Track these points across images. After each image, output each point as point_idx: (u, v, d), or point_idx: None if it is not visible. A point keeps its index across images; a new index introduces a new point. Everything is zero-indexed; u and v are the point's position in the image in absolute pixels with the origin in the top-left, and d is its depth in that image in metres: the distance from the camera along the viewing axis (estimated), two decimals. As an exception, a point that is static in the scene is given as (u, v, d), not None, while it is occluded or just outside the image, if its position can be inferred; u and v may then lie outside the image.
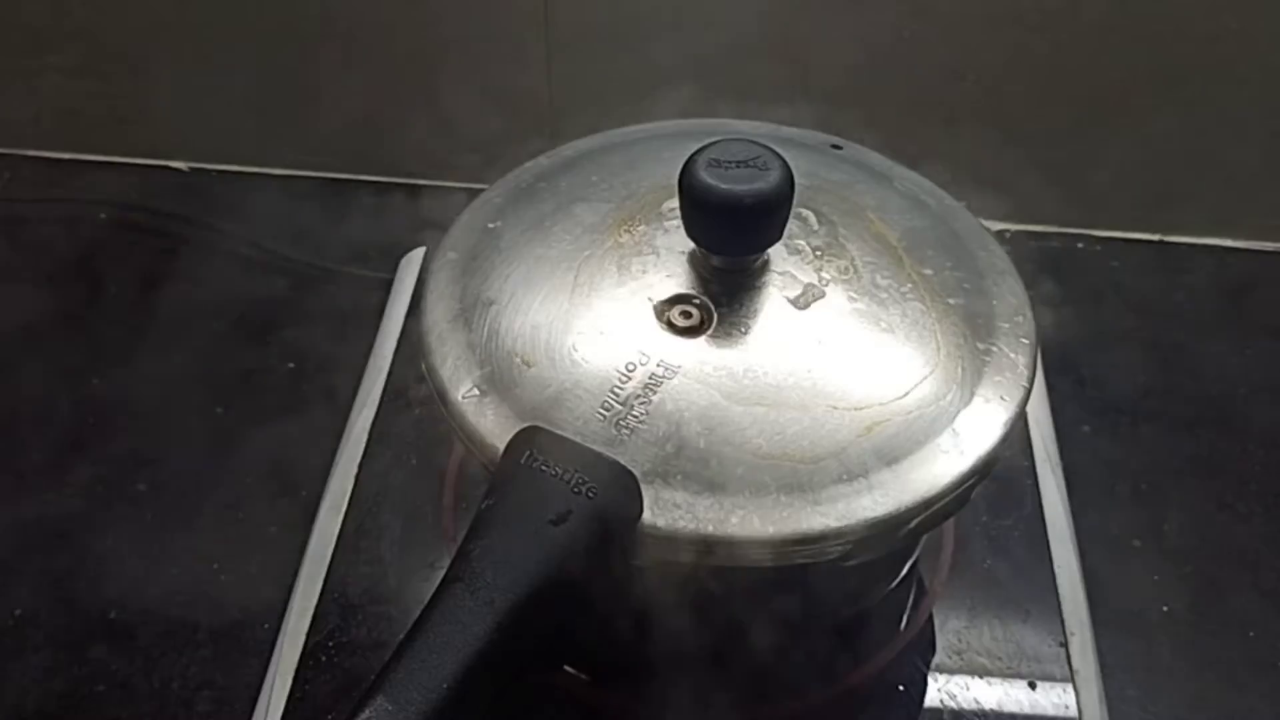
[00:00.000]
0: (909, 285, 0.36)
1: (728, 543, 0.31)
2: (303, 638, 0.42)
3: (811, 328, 0.35)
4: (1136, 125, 0.64)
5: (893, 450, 0.32)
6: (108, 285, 0.65)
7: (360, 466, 0.47)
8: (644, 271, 0.36)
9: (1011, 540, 0.46)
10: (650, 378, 0.33)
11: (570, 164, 0.41)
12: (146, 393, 0.60)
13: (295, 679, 0.41)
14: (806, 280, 0.36)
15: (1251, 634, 0.52)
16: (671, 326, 0.34)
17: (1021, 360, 0.35)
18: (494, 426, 0.32)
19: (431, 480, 0.47)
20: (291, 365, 0.61)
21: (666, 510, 0.31)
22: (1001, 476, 0.46)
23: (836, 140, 0.42)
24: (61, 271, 0.66)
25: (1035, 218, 0.69)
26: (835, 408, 0.33)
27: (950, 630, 0.43)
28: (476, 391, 0.33)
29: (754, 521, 0.31)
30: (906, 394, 0.33)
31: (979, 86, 0.63)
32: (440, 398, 0.34)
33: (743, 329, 0.34)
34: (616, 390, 0.33)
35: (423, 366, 0.35)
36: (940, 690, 0.41)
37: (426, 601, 0.28)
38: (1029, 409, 0.36)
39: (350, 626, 0.43)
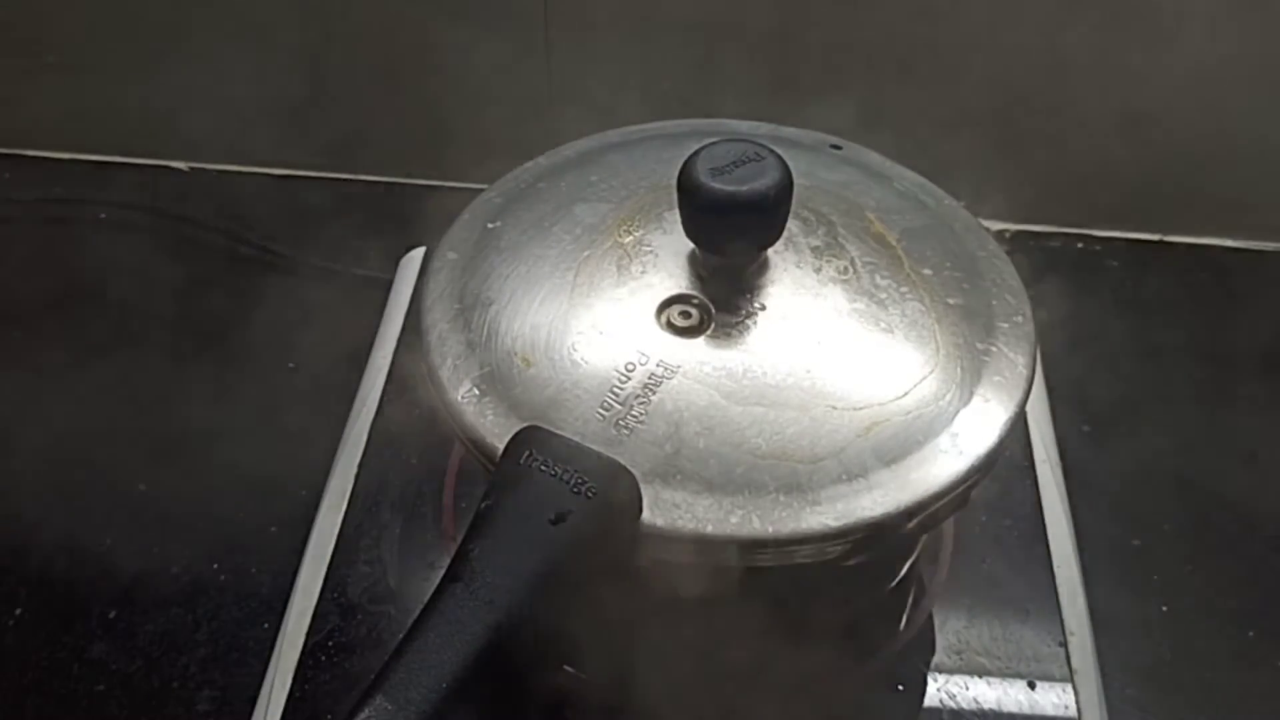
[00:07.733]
0: (908, 285, 0.36)
1: (728, 543, 0.31)
2: (303, 638, 0.42)
3: (811, 328, 0.35)
4: (1135, 125, 0.64)
5: (892, 450, 0.32)
6: (107, 285, 0.65)
7: (360, 466, 0.47)
8: (644, 271, 0.36)
9: (1011, 540, 0.46)
10: (650, 378, 0.33)
11: (570, 164, 0.41)
12: (145, 392, 0.60)
13: (295, 679, 0.41)
14: (806, 281, 0.36)
15: (1251, 634, 0.52)
16: (671, 326, 0.34)
17: (1021, 360, 0.35)
18: (494, 426, 0.32)
19: (431, 480, 0.47)
20: (291, 365, 0.61)
21: (666, 510, 0.31)
22: (1001, 476, 0.46)
23: (836, 140, 0.42)
24: (61, 271, 0.66)
25: (1035, 218, 0.69)
26: (835, 408, 0.33)
27: (950, 630, 0.43)
28: (476, 391, 0.33)
29: (754, 521, 0.31)
30: (906, 394, 0.33)
31: (979, 85, 0.63)
32: (440, 398, 0.34)
33: (742, 329, 0.34)
34: (616, 390, 0.33)
35: (423, 366, 0.35)
36: (940, 690, 0.41)
37: (426, 601, 0.28)
38: (1029, 409, 0.36)
39: (350, 626, 0.43)
